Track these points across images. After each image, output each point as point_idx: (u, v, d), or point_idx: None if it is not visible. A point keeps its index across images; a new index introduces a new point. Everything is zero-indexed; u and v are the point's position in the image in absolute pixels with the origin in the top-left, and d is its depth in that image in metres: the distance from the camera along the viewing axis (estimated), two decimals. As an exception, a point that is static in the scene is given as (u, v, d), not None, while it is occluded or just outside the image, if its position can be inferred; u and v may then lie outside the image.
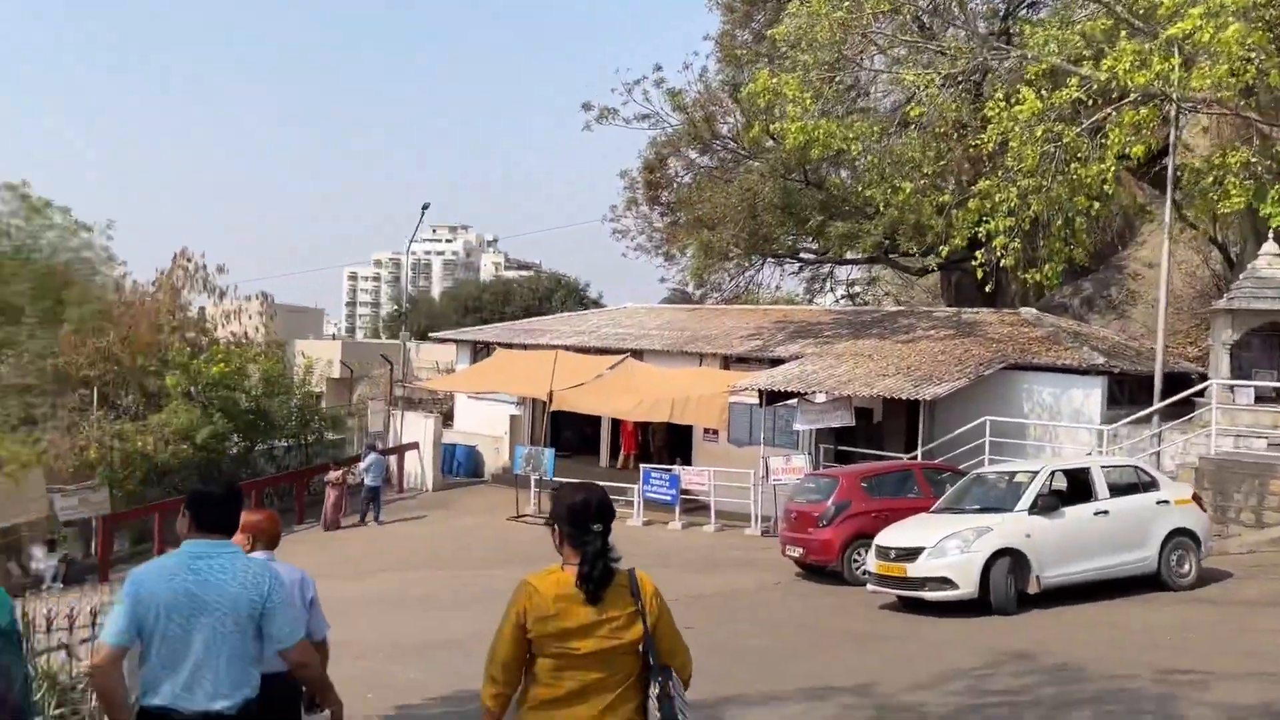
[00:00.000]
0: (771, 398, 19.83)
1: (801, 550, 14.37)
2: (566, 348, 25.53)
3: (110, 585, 18.98)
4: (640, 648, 3.46)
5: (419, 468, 26.28)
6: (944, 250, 17.99)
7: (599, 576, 3.40)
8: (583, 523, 3.47)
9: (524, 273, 70.78)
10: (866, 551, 12.88)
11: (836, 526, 13.94)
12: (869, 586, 12.24)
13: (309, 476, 22.55)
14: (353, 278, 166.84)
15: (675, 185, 26.35)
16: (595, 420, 26.69)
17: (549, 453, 22.12)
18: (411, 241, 31.08)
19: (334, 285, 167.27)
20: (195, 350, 22.93)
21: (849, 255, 25.54)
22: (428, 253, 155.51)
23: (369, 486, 22.17)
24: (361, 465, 22.81)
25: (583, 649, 3.36)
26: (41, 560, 19.11)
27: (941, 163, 18.92)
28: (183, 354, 22.15)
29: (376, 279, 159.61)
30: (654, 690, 3.43)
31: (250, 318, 25.66)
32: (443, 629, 13.04)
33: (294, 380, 25.29)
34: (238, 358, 23.24)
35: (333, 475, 21.85)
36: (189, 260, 24.04)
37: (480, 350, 29.19)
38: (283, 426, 24.72)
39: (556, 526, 3.53)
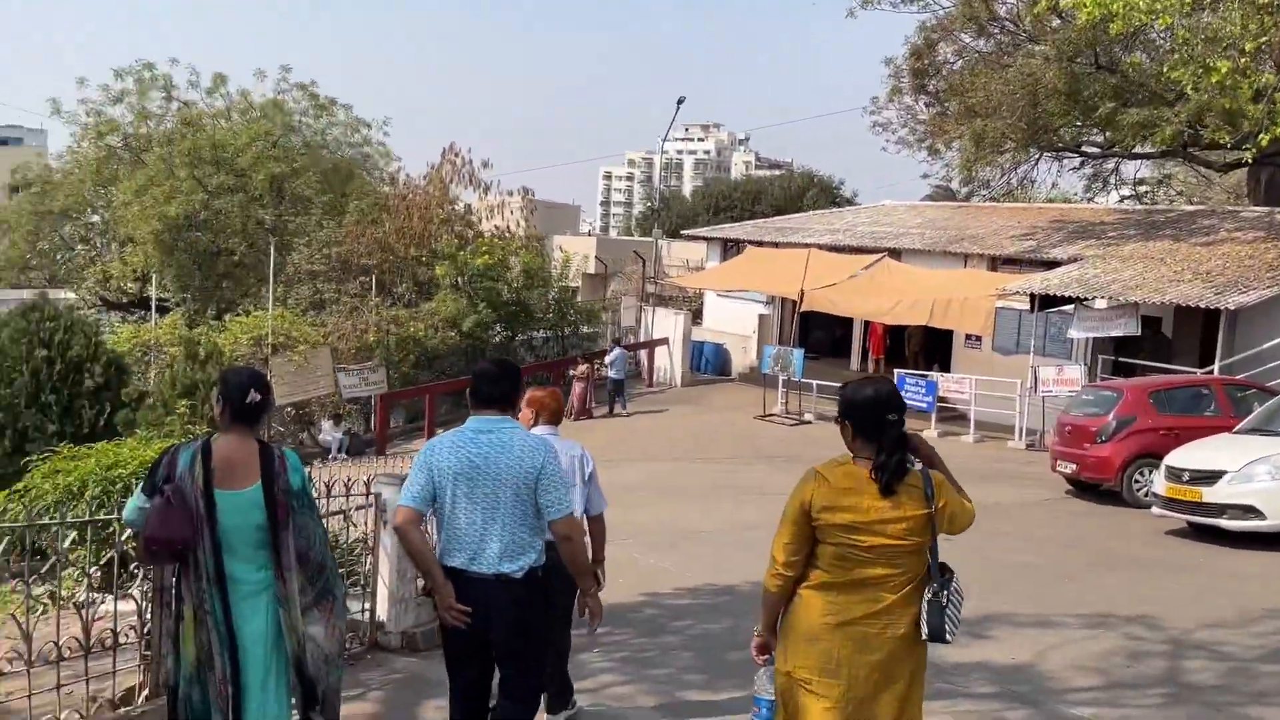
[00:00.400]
0: (1044, 303, 18.35)
1: (1075, 466, 13.29)
2: (820, 246, 24.73)
3: (387, 458, 20.51)
4: (926, 551, 3.39)
5: (668, 363, 26.54)
6: (1263, 139, 15.72)
7: (895, 466, 3.35)
8: (878, 413, 3.42)
9: (775, 172, 69.46)
10: (1151, 472, 11.73)
11: (1117, 443, 12.75)
12: (1154, 510, 11.13)
13: (565, 367, 23.23)
14: (607, 177, 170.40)
15: (945, 72, 24.55)
16: (846, 322, 25.86)
17: (798, 353, 21.65)
18: (666, 137, 30.89)
19: (589, 184, 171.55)
20: (462, 242, 23.94)
21: (1141, 149, 23.00)
22: (679, 152, 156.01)
23: (613, 379, 22.64)
24: (608, 359, 23.30)
25: (867, 543, 3.33)
26: (329, 432, 20.82)
27: (1264, 39, 16.40)
28: (451, 246, 23.17)
29: (629, 178, 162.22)
30: (927, 595, 3.39)
31: (512, 212, 26.48)
32: (690, 520, 13.11)
33: (552, 274, 25.97)
34: (500, 250, 24.06)
35: (580, 369, 22.37)
36: (456, 155, 25.00)
37: (731, 248, 28.86)
38: (541, 318, 25.53)
39: (848, 421, 3.49)
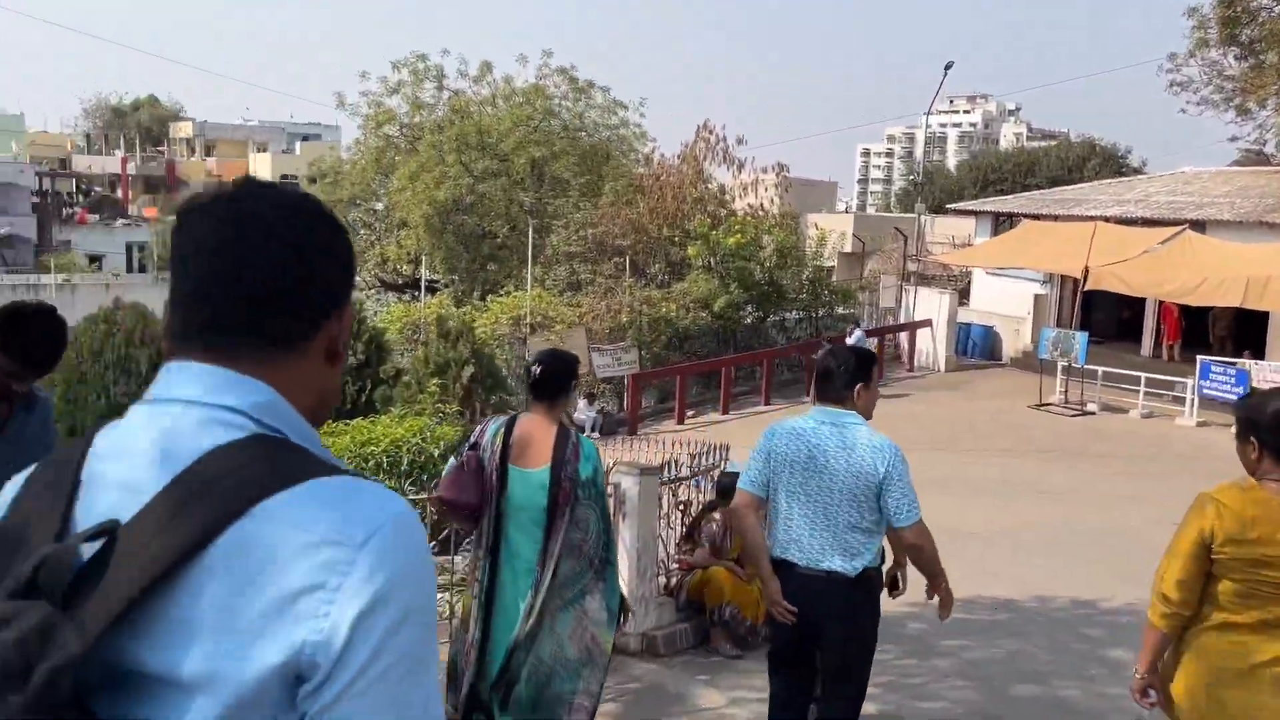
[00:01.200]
0: (1393, 280, 15.59)
1: None
2: (1106, 219, 22.37)
3: (637, 437, 20.47)
4: None
5: (931, 346, 25.00)
6: None
7: None
8: None
9: (1049, 143, 64.62)
10: None
11: None
12: None
13: (814, 349, 22.30)
14: (865, 154, 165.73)
15: (1262, 19, 21.49)
16: (1133, 303, 23.34)
17: (1081, 336, 19.68)
18: (931, 106, 29.03)
19: (845, 162, 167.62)
20: (714, 221, 23.50)
21: None
22: (943, 125, 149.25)
23: None
24: (848, 340, 22.21)
25: None
26: (583, 411, 21.01)
27: None
28: (703, 225, 22.78)
29: (889, 154, 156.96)
30: None
31: (765, 190, 25.77)
32: (950, 519, 12.01)
33: (805, 252, 25.05)
34: (753, 229, 23.42)
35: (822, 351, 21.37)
36: (710, 132, 24.56)
37: (1002, 222, 26.77)
38: (794, 298, 24.71)
39: (1256, 439, 3.12)
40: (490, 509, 3.81)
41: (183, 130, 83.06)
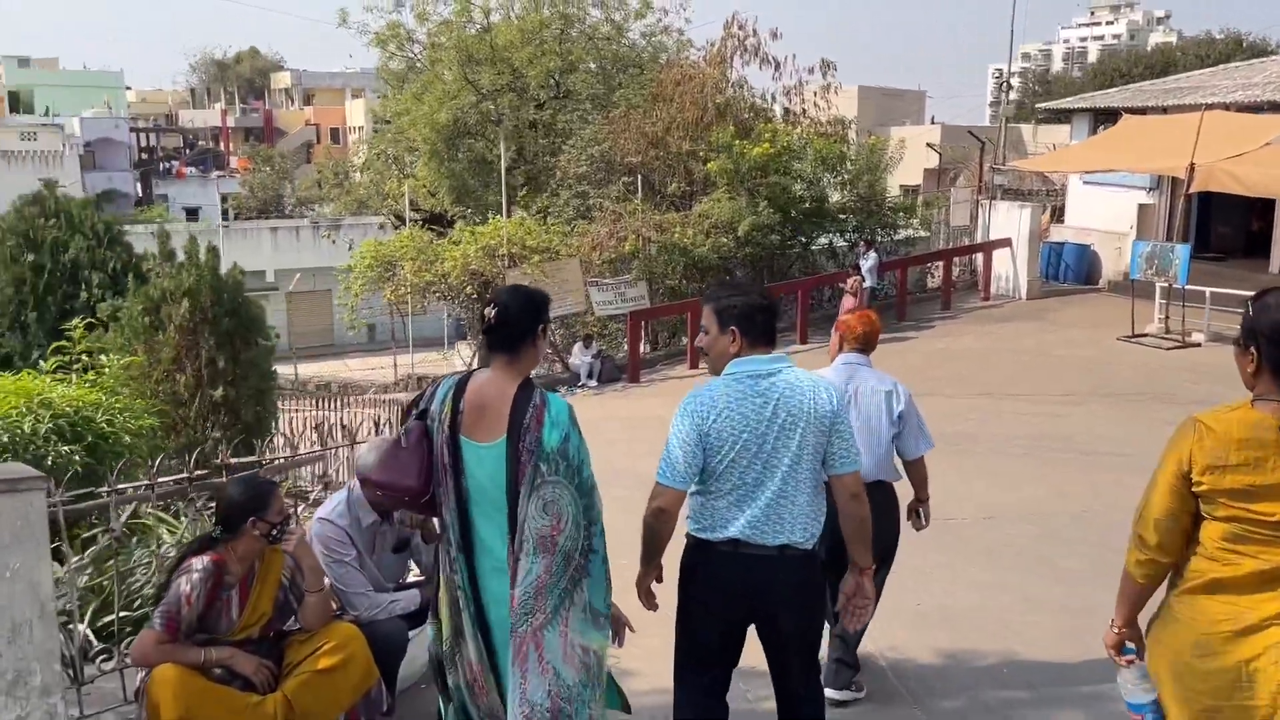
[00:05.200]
0: None
1: None
2: (1226, 107, 18.06)
3: (640, 386, 17.62)
4: None
5: (1010, 270, 21.13)
6: None
7: None
8: None
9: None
10: None
11: None
12: None
13: (847, 278, 18.83)
14: (997, 75, 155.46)
15: None
16: (1267, 211, 19.02)
17: (1181, 250, 15.73)
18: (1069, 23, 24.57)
19: (978, 85, 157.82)
20: (744, 131, 20.13)
21: None
22: (1083, 40, 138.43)
23: (867, 288, 18.30)
24: (864, 266, 18.78)
25: (1276, 516, 2.63)
26: (578, 356, 18.25)
27: None
28: (726, 134, 19.46)
29: (1023, 74, 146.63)
30: None
31: (817, 94, 22.12)
32: (1003, 483, 9.13)
33: (859, 164, 21.39)
34: (786, 138, 19.94)
35: (851, 281, 18.00)
36: (740, 27, 21.05)
37: (1102, 121, 22.43)
38: (843, 219, 21.20)
39: (1254, 347, 2.73)
40: (448, 494, 3.12)
41: (282, 81, 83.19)
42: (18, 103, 66.62)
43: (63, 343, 5.74)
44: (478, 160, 23.29)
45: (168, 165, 68.21)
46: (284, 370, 23.54)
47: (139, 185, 61.87)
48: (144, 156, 68.90)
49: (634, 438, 13.30)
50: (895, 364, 17.15)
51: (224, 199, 59.48)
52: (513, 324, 3.14)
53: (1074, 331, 17.67)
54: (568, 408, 3.19)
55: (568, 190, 21.40)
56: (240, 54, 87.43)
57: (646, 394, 16.86)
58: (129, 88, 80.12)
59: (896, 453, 4.57)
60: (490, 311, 3.15)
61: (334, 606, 3.73)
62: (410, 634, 3.91)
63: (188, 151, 75.11)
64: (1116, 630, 3.03)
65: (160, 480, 4.35)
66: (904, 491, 4.72)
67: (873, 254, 19.49)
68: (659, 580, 3.48)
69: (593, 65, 24.65)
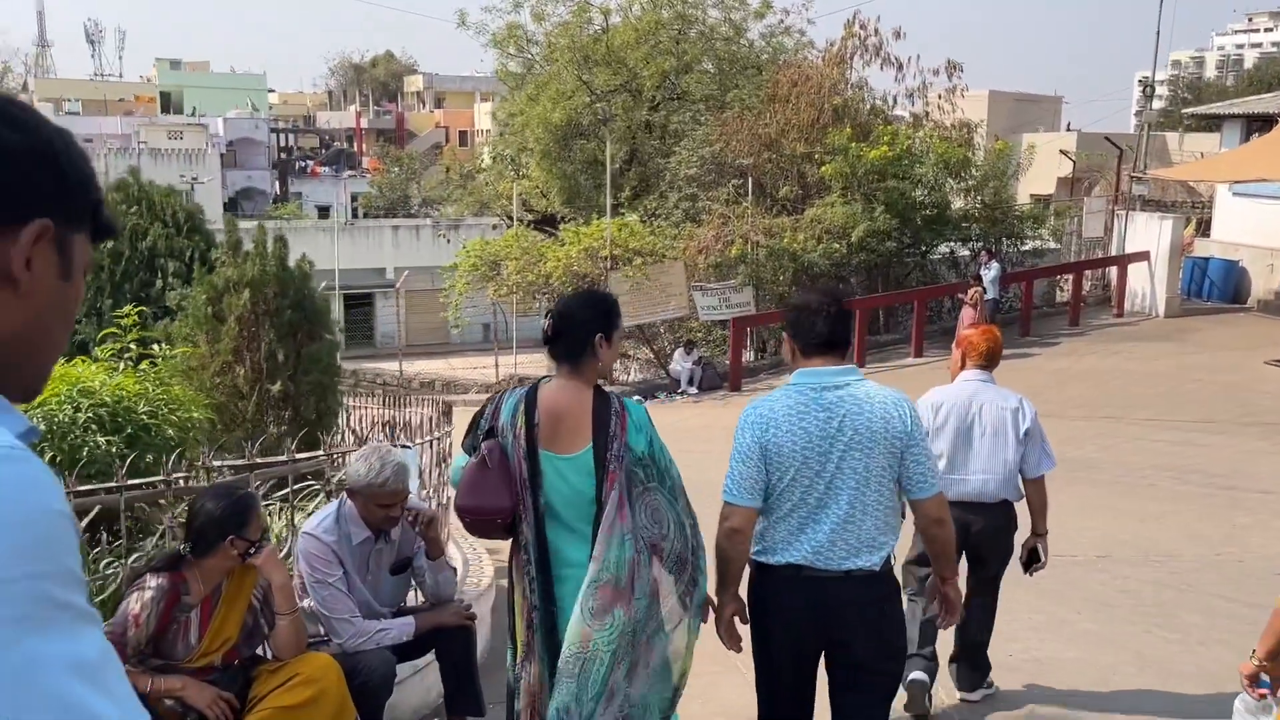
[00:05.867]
0: None
1: None
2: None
3: (742, 395, 17.03)
4: None
5: (1147, 285, 19.73)
6: None
7: None
8: None
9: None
10: None
11: None
12: None
13: (967, 289, 17.82)
14: (1143, 83, 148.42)
15: None
16: None
17: (1342, 267, 14.31)
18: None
19: (1122, 92, 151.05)
20: (862, 134, 19.31)
21: None
22: (1239, 46, 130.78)
23: (985, 300, 17.21)
24: (985, 277, 17.64)
25: None
26: (679, 362, 17.77)
27: None
28: (842, 136, 18.68)
29: (1172, 82, 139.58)
30: None
31: (939, 95, 21.09)
32: (1125, 518, 8.24)
33: (982, 170, 20.29)
34: (906, 141, 19.03)
35: (971, 292, 16.97)
36: (862, 27, 20.19)
37: (1257, 127, 20.78)
38: (964, 226, 20.14)
39: None
40: (527, 510, 3.02)
41: (414, 84, 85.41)
42: (168, 103, 70.09)
43: (114, 329, 5.55)
44: (590, 161, 23.05)
45: (303, 164, 70.73)
46: (390, 367, 23.86)
47: (276, 183, 64.34)
48: (282, 156, 71.66)
49: (724, 445, 12.76)
50: (1016, 382, 16.13)
51: (353, 198, 61.34)
52: (571, 333, 3.05)
53: (1217, 353, 16.33)
54: (645, 411, 3.13)
55: (676, 192, 20.95)
56: (376, 58, 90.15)
57: (746, 403, 16.30)
58: (272, 90, 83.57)
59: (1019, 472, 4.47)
60: (548, 321, 3.09)
61: (313, 633, 3.34)
62: (400, 668, 3.48)
63: (323, 151, 77.75)
64: (1257, 662, 3.00)
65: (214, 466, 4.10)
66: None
67: (995, 264, 18.46)
68: (742, 619, 3.25)
69: (709, 66, 24.12)
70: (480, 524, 3.14)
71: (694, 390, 17.46)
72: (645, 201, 22.05)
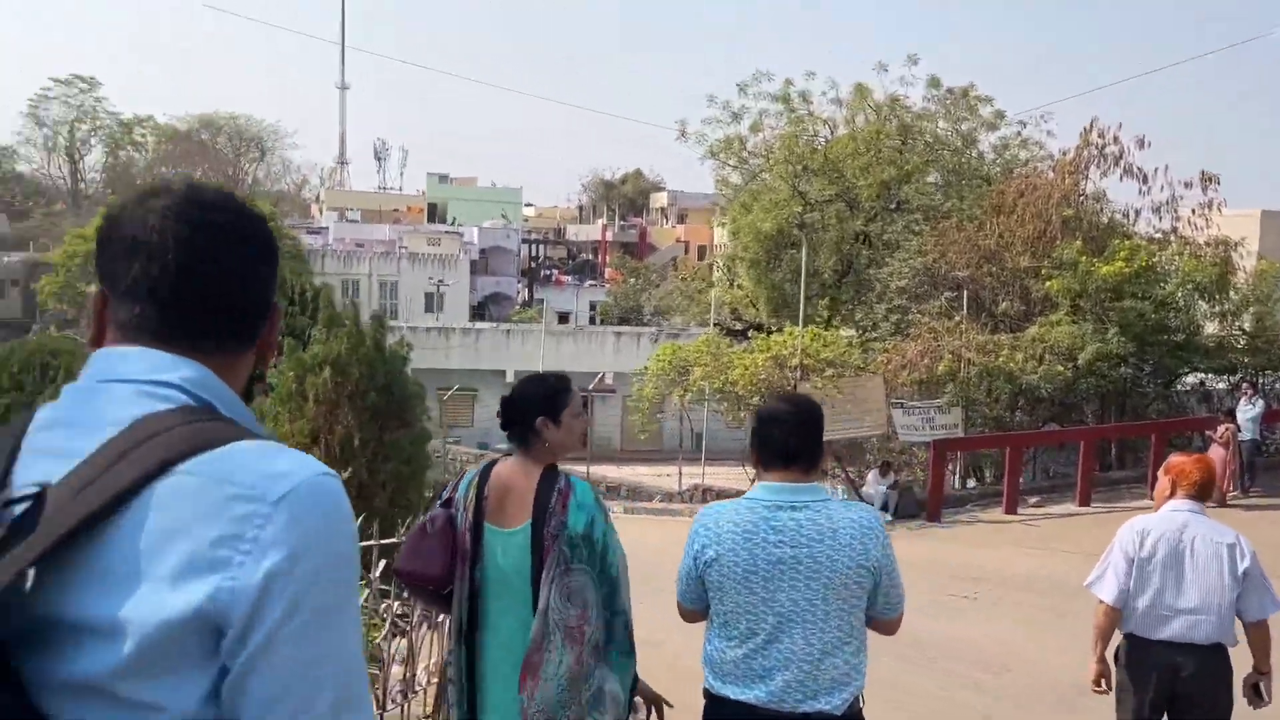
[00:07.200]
0: None
1: None
2: None
3: (940, 527, 15.40)
4: None
5: None
6: None
7: None
8: None
9: None
10: None
11: None
12: None
13: (1216, 424, 15.45)
14: None
15: None
16: None
17: None
18: None
19: None
20: (1096, 248, 17.54)
21: None
22: None
23: (1244, 443, 14.68)
24: (1242, 415, 15.10)
25: None
26: (873, 484, 16.38)
27: None
28: (1071, 250, 17.01)
29: None
30: None
31: (1192, 211, 18.95)
32: None
33: (1242, 293, 17.90)
34: (1147, 256, 17.07)
35: (1221, 429, 14.61)
36: (1100, 135, 18.53)
37: None
38: (1220, 355, 17.72)
39: None
40: (462, 581, 3.06)
41: (659, 201, 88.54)
42: (434, 213, 75.90)
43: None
44: (798, 271, 22.37)
45: (549, 273, 74.23)
46: (597, 470, 23.67)
47: (524, 290, 67.75)
48: (532, 264, 75.59)
49: (909, 585, 11.33)
50: (1271, 536, 13.69)
51: (592, 305, 63.55)
52: (516, 417, 3.11)
53: None
54: (593, 491, 3.10)
55: (885, 304, 19.80)
56: (626, 175, 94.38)
57: (944, 537, 14.67)
58: (529, 204, 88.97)
59: (1236, 614, 4.12)
60: (499, 406, 3.19)
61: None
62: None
63: (570, 262, 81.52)
64: None
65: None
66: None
67: (1260, 401, 16.02)
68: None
69: (934, 177, 23.04)
70: (416, 589, 3.22)
71: (888, 516, 15.97)
72: (855, 312, 21.02)
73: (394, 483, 6.48)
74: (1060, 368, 16.56)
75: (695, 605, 3.01)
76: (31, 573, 1.00)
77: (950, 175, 22.97)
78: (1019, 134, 24.01)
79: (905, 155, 22.64)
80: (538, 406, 3.09)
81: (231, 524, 1.02)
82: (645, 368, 19.22)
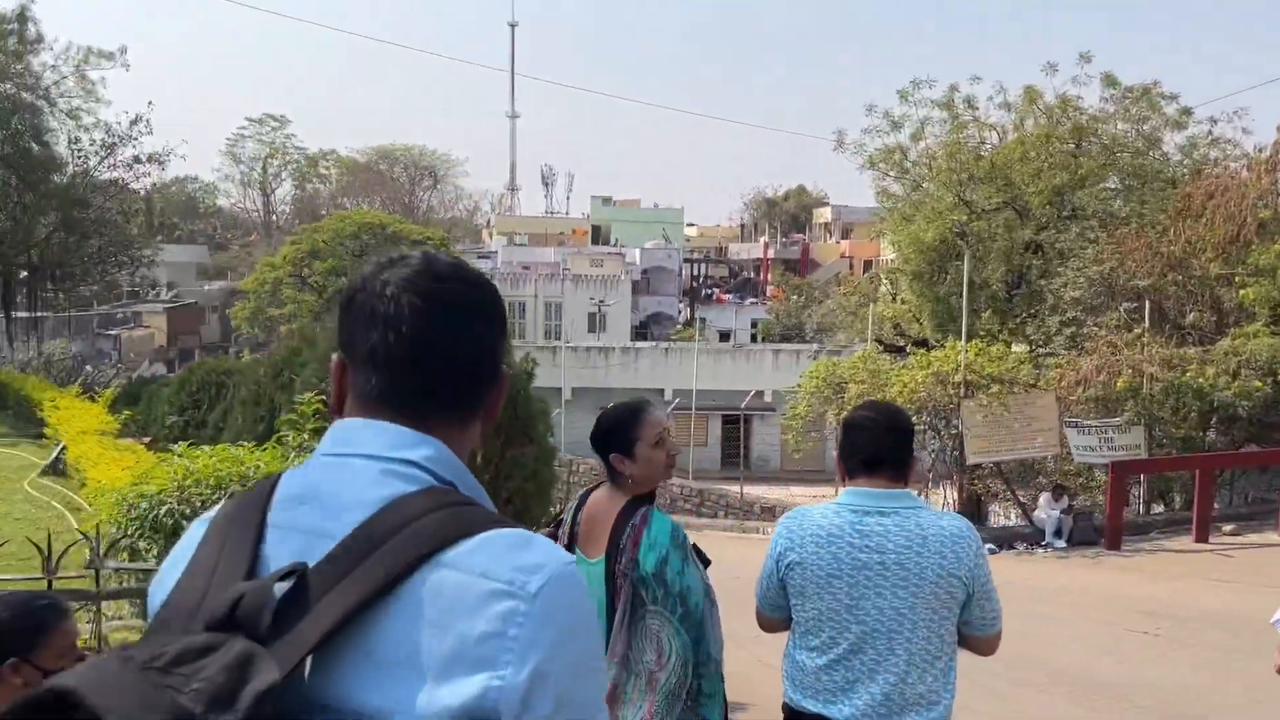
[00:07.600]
0: None
1: None
2: None
3: (1119, 555, 14.24)
4: None
5: None
6: None
7: None
8: None
9: None
10: None
11: None
12: None
13: None
14: None
15: None
16: None
17: None
18: None
19: None
20: (1297, 249, 15.95)
21: None
22: None
23: None
24: None
25: None
26: (1044, 509, 15.36)
27: None
28: (1270, 254, 15.52)
29: None
30: None
31: None
32: None
33: None
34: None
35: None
36: (1302, 127, 16.88)
37: None
38: None
39: None
40: None
41: (822, 216, 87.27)
42: (598, 235, 77.21)
43: (291, 415, 5.36)
44: (960, 284, 21.36)
45: (709, 292, 74.18)
46: (756, 490, 23.26)
47: (685, 309, 67.96)
48: (694, 284, 75.79)
49: (1082, 618, 10.58)
50: None
51: (753, 324, 63.07)
52: (599, 440, 3.05)
53: None
54: (671, 528, 2.88)
55: (1059, 316, 18.61)
56: (789, 191, 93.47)
57: (1123, 566, 13.57)
58: (691, 224, 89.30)
59: None
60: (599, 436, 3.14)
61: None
62: None
63: (731, 280, 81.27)
64: None
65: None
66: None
67: None
68: None
69: (1110, 182, 21.59)
70: None
71: (1061, 544, 14.97)
72: (1027, 326, 19.88)
73: (519, 499, 6.38)
74: (1259, 383, 15.13)
75: (775, 612, 2.91)
76: (310, 659, 1.02)
77: (1130, 179, 21.45)
78: (1209, 132, 22.25)
79: (1079, 159, 21.30)
80: (608, 446, 3.01)
81: (493, 621, 1.04)
82: (798, 385, 18.72)
